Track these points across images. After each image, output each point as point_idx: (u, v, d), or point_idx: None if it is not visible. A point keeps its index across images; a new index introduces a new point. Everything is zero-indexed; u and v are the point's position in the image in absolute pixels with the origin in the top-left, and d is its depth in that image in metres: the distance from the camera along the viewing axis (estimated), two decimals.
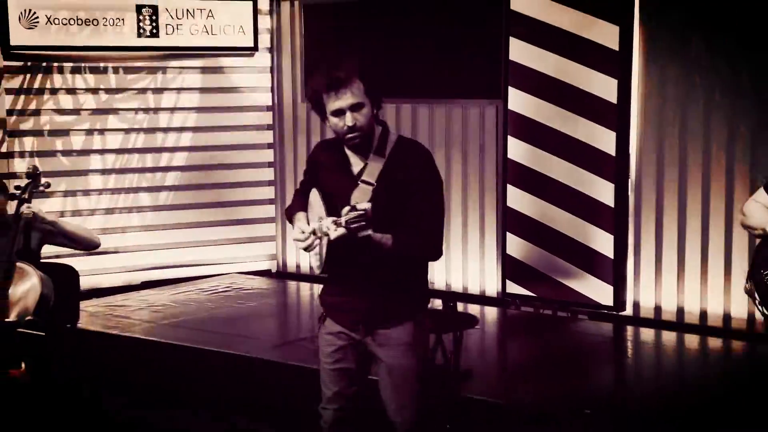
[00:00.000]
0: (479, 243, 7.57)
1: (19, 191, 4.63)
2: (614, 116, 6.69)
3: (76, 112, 7.66)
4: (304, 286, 7.83)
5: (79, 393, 4.98)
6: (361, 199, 3.45)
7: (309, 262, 4.33)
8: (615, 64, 6.67)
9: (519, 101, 6.95)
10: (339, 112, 3.46)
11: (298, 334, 6.80)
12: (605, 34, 6.70)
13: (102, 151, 7.77)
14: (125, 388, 5.50)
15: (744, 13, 6.32)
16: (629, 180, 7.04)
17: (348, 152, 3.68)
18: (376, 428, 4.01)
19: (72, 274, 4.91)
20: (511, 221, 7.16)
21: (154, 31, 7.51)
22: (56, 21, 7.21)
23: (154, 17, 7.48)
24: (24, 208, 4.61)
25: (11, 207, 4.68)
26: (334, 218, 3.41)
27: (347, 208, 3.34)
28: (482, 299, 7.41)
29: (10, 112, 7.38)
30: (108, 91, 7.73)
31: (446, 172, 7.50)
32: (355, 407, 3.89)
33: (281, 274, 8.23)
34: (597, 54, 6.69)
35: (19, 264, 4.57)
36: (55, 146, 7.67)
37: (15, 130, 7.42)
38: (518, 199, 7.08)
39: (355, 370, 3.83)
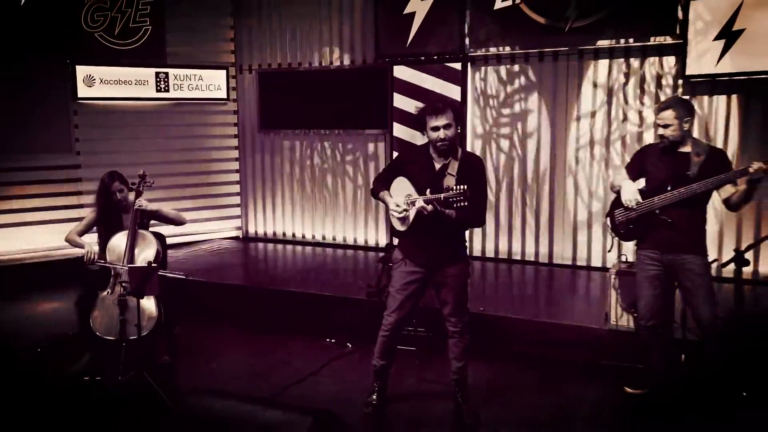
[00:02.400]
0: (378, 214, 9.05)
1: (135, 185, 5.37)
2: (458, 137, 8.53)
3: (121, 139, 8.82)
4: (260, 245, 9.63)
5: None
6: (450, 184, 4.31)
7: (394, 225, 4.77)
8: (457, 108, 7.81)
9: (399, 130, 8.42)
10: (436, 129, 4.37)
11: (265, 268, 8.67)
12: (451, 89, 8.19)
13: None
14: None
15: None
16: None
17: (432, 155, 4.53)
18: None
19: (163, 238, 5.63)
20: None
21: (166, 87, 8.96)
22: (105, 81, 8.60)
23: (166, 79, 8.93)
24: (138, 202, 5.29)
25: (131, 195, 5.40)
26: (430, 196, 4.29)
27: (449, 187, 4.27)
28: (377, 248, 8.92)
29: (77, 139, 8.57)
30: (147, 126, 9.04)
31: (356, 173, 9.24)
32: (409, 316, 4.85)
33: (245, 238, 9.83)
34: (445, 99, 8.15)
35: (141, 231, 5.34)
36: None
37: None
38: None
39: (412, 297, 4.64)
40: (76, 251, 5.52)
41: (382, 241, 9.04)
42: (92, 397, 5.02)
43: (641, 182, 4.89)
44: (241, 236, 9.89)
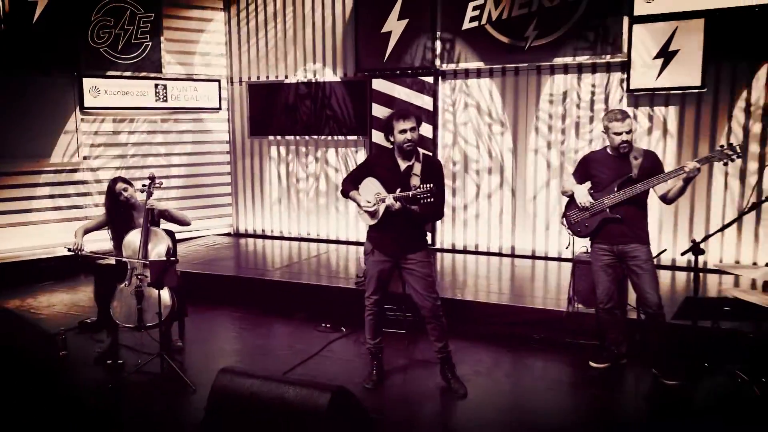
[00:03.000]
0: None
1: (145, 187, 5.34)
2: (430, 142, 8.19)
3: (124, 144, 8.88)
4: (250, 240, 9.59)
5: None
6: (415, 183, 4.43)
7: (362, 220, 4.82)
8: (430, 117, 8.19)
9: (377, 136, 8.25)
10: (404, 131, 4.44)
11: (257, 261, 8.53)
12: (424, 100, 8.31)
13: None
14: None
15: None
16: None
17: (397, 158, 4.59)
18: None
19: (173, 234, 5.60)
20: None
21: (165, 98, 8.94)
22: (109, 92, 8.56)
23: (164, 90, 8.91)
24: (150, 202, 5.32)
25: (139, 195, 5.44)
26: (399, 193, 4.38)
27: (416, 185, 4.38)
28: (358, 243, 8.81)
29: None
30: (147, 132, 9.03)
31: (338, 175, 9.15)
32: (384, 297, 4.90)
33: (236, 234, 9.81)
34: (420, 111, 8.06)
35: (153, 229, 5.33)
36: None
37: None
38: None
39: (386, 281, 4.78)
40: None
41: (362, 237, 9.04)
42: (116, 379, 5.00)
43: (587, 185, 5.01)
44: (232, 233, 9.91)
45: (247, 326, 6.53)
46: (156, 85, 8.82)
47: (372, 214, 4.66)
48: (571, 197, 5.06)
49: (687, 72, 7.11)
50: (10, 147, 7.87)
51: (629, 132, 4.78)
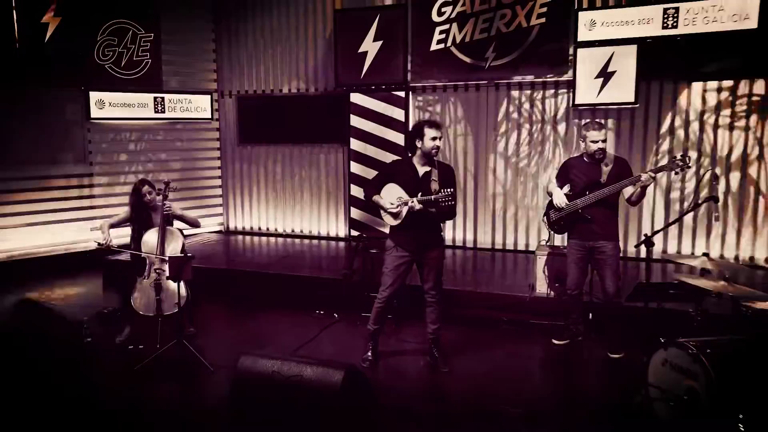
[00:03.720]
0: (338, 211, 9.10)
1: (161, 190, 5.37)
2: (402, 150, 7.71)
3: (126, 152, 8.83)
4: (239, 237, 9.49)
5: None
6: (435, 188, 4.43)
7: (386, 220, 4.73)
8: (401, 127, 8.23)
9: (355, 144, 8.50)
10: (434, 138, 4.46)
11: (244, 253, 8.45)
12: (396, 112, 8.29)
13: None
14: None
15: None
16: None
17: (415, 164, 4.59)
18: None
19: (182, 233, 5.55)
20: (352, 201, 8.56)
21: (162, 109, 8.88)
22: (113, 104, 8.47)
23: (162, 102, 8.88)
24: (167, 204, 5.34)
25: (158, 198, 5.40)
26: (421, 197, 4.38)
27: (435, 190, 4.40)
28: (338, 238, 9.02)
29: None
30: (147, 140, 8.98)
31: (320, 178, 9.17)
32: (398, 291, 4.82)
33: (227, 232, 9.72)
34: (393, 122, 8.33)
35: (168, 228, 5.36)
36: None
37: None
38: (355, 191, 8.45)
39: (403, 275, 4.74)
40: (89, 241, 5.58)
41: (342, 233, 9.16)
42: (140, 362, 4.98)
43: (566, 188, 5.11)
44: (223, 230, 9.85)
45: (244, 315, 6.45)
46: (155, 98, 8.78)
47: (395, 216, 4.63)
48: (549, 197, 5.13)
49: (622, 90, 7.32)
50: (23, 154, 7.80)
51: (604, 141, 4.86)
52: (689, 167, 4.80)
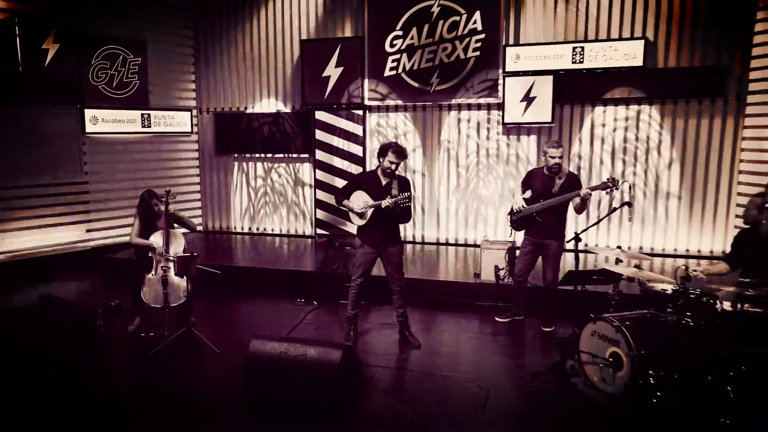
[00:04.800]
0: (305, 212, 9.05)
1: (164, 197, 5.35)
2: (360, 160, 8.37)
3: (117, 162, 8.49)
4: (217, 236, 9.28)
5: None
6: (395, 194, 4.62)
7: (354, 221, 4.84)
8: (360, 140, 8.41)
9: (320, 155, 8.58)
10: (392, 162, 4.63)
11: (224, 250, 8.21)
12: (356, 128, 8.42)
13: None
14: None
15: None
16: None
17: (379, 176, 4.75)
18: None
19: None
20: (318, 203, 8.68)
21: (149, 124, 8.75)
22: (105, 120, 8.33)
23: (148, 119, 8.74)
24: (171, 209, 5.37)
25: (162, 205, 5.35)
26: (389, 200, 4.50)
27: (396, 194, 4.53)
28: (305, 236, 8.96)
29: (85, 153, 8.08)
30: (135, 152, 8.68)
31: (288, 184, 9.09)
32: (366, 280, 4.94)
33: (205, 232, 9.49)
34: (352, 136, 8.47)
35: (172, 230, 5.33)
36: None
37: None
38: (321, 195, 8.62)
39: (370, 267, 4.91)
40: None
41: (308, 231, 9.14)
42: (153, 348, 4.96)
43: (527, 194, 5.24)
44: (201, 230, 9.59)
45: (234, 306, 6.36)
46: (142, 115, 8.67)
47: (361, 216, 4.77)
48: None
49: (541, 112, 7.71)
50: (26, 165, 7.61)
51: (560, 158, 5.00)
52: (617, 188, 4.90)
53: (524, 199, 5.19)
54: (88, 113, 8.13)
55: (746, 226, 4.31)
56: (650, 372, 3.94)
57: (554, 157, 4.99)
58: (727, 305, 3.82)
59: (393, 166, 4.65)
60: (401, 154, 4.67)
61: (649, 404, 3.79)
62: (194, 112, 9.38)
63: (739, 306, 3.78)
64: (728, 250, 4.54)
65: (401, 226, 4.96)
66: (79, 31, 7.74)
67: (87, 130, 8.17)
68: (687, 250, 7.51)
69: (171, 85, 9.13)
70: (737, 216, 7.24)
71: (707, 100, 7.26)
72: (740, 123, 7.18)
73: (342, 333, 5.23)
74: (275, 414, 3.86)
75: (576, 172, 5.08)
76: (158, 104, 8.88)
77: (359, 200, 4.78)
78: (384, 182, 4.74)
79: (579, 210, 5.00)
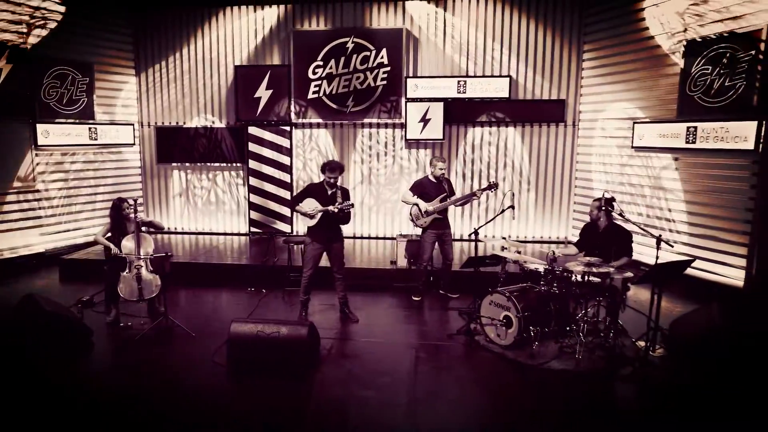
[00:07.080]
0: (239, 213, 8.87)
1: (131, 206, 5.17)
2: (287, 168, 8.24)
3: (66, 171, 8.01)
4: (158, 236, 8.67)
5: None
6: (340, 201, 4.73)
7: (306, 222, 4.85)
8: (286, 151, 8.35)
9: (252, 164, 8.44)
10: (330, 177, 4.74)
11: (171, 248, 7.73)
12: (283, 140, 8.24)
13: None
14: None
15: None
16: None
17: (326, 187, 4.86)
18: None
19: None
20: (251, 206, 8.54)
21: (96, 137, 8.37)
22: (56, 134, 7.84)
23: (95, 132, 8.29)
24: (139, 215, 5.22)
25: (132, 211, 5.18)
26: (337, 206, 4.64)
27: (339, 202, 4.63)
28: (240, 234, 8.76)
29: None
30: (84, 162, 8.11)
31: (224, 189, 8.90)
32: (315, 274, 4.99)
33: (148, 233, 8.42)
34: (281, 148, 8.40)
35: (142, 234, 5.19)
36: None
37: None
38: (253, 198, 8.52)
39: (318, 260, 4.99)
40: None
41: (243, 230, 8.95)
42: (134, 336, 4.86)
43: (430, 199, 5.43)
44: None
45: (193, 296, 6.14)
46: (89, 128, 8.27)
47: (312, 218, 4.89)
48: (415, 205, 5.52)
49: (435, 130, 8.15)
50: None
51: (444, 169, 5.47)
52: (497, 189, 5.75)
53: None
54: (40, 127, 7.70)
55: (589, 221, 4.88)
56: (531, 328, 4.62)
57: (442, 169, 5.38)
58: (578, 277, 4.51)
59: (332, 180, 4.77)
60: (334, 169, 4.78)
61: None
62: (136, 126, 9.02)
63: (586, 278, 4.48)
64: (569, 236, 5.52)
65: (342, 227, 5.12)
66: (30, 54, 7.34)
67: (39, 143, 7.74)
68: (541, 237, 8.17)
69: (116, 102, 8.75)
70: (575, 210, 8.10)
71: (553, 124, 8.03)
72: (575, 142, 8.13)
73: (292, 314, 5.27)
74: (256, 380, 3.96)
75: (462, 179, 5.55)
76: (104, 119, 8.50)
77: (310, 206, 4.87)
78: (330, 192, 4.87)
79: (462, 205, 5.63)
